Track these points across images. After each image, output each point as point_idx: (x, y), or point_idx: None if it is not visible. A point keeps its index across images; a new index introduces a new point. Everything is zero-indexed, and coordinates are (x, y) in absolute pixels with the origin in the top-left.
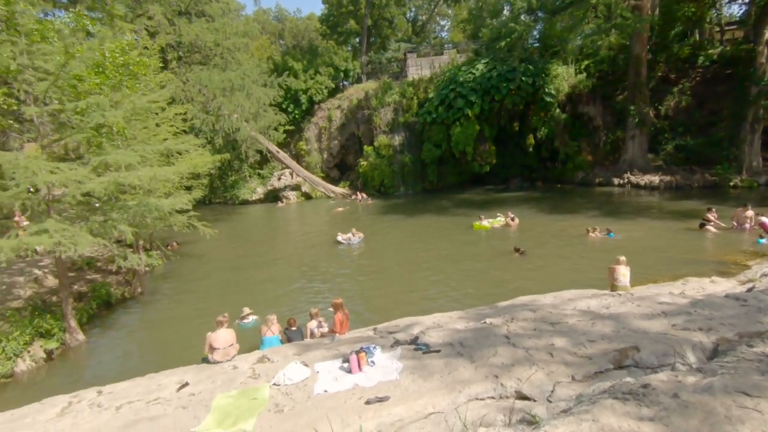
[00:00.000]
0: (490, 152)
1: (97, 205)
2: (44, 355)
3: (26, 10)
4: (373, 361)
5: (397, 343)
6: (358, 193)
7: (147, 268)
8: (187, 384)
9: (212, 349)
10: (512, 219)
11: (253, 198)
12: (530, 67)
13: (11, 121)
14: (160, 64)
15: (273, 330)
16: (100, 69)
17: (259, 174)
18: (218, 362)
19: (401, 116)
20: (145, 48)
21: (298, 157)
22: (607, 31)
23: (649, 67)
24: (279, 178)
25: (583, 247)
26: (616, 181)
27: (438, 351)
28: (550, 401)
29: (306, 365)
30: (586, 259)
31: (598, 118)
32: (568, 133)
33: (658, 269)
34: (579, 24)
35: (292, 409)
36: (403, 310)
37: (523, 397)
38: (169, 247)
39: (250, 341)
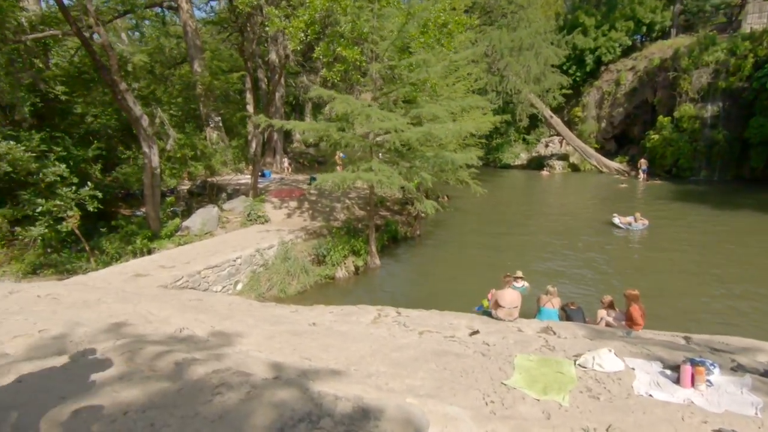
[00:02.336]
0: None
1: (385, 153)
2: (353, 269)
3: None
4: (710, 381)
5: (740, 367)
6: (642, 169)
7: (423, 214)
8: (478, 332)
9: (497, 305)
10: None
11: (515, 163)
12: None
13: (359, 76)
14: (476, 22)
15: (554, 303)
16: (425, 29)
17: (524, 139)
18: (501, 319)
19: (723, 80)
20: (453, 9)
21: (569, 125)
22: None
23: None
24: (546, 145)
25: None
26: None
27: None
28: None
29: (617, 356)
30: None
31: None
32: None
33: None
34: None
35: (610, 401)
36: (691, 325)
37: None
38: (440, 199)
39: None
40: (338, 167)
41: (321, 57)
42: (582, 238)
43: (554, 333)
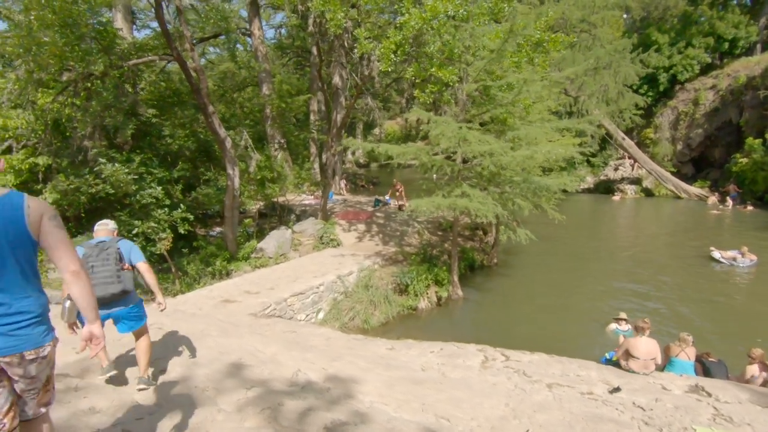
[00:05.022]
0: None
1: (473, 178)
2: (435, 300)
3: None
4: None
5: None
6: (731, 195)
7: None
8: (619, 389)
9: (629, 356)
10: None
11: (581, 187)
12: None
13: (449, 97)
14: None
15: (689, 353)
16: (519, 47)
17: (588, 161)
18: (635, 372)
19: None
20: (549, 28)
21: (640, 147)
22: None
23: None
24: (616, 169)
25: None
26: None
27: None
28: None
29: None
30: None
31: None
32: None
33: None
34: None
35: None
36: None
37: None
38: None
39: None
40: (398, 192)
41: (413, 78)
42: (675, 274)
43: (708, 393)
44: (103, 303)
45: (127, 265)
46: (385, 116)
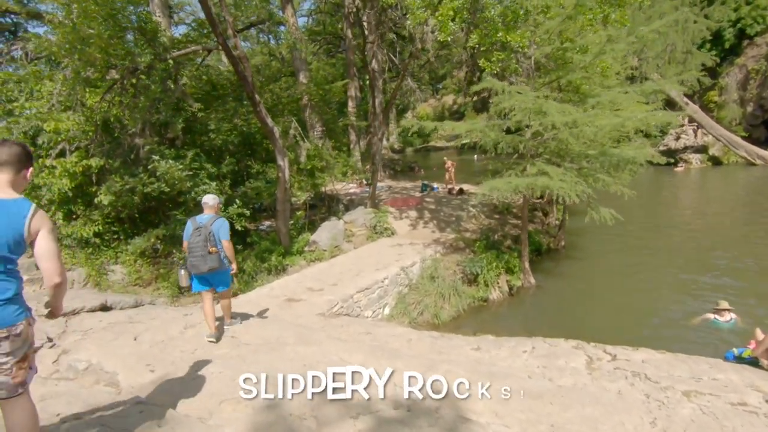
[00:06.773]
0: None
1: (543, 155)
2: (507, 290)
3: None
4: None
5: None
6: None
7: (556, 222)
8: None
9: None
10: None
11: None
12: None
13: (516, 64)
14: None
15: None
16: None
17: (642, 131)
18: None
19: None
20: None
21: (703, 111)
22: None
23: None
24: (677, 137)
25: None
26: None
27: None
28: None
29: None
30: None
31: None
32: None
33: None
34: None
35: None
36: None
37: None
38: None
39: (721, 346)
40: (447, 173)
41: (476, 46)
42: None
43: None
44: (201, 273)
45: (214, 248)
46: (419, 99)
